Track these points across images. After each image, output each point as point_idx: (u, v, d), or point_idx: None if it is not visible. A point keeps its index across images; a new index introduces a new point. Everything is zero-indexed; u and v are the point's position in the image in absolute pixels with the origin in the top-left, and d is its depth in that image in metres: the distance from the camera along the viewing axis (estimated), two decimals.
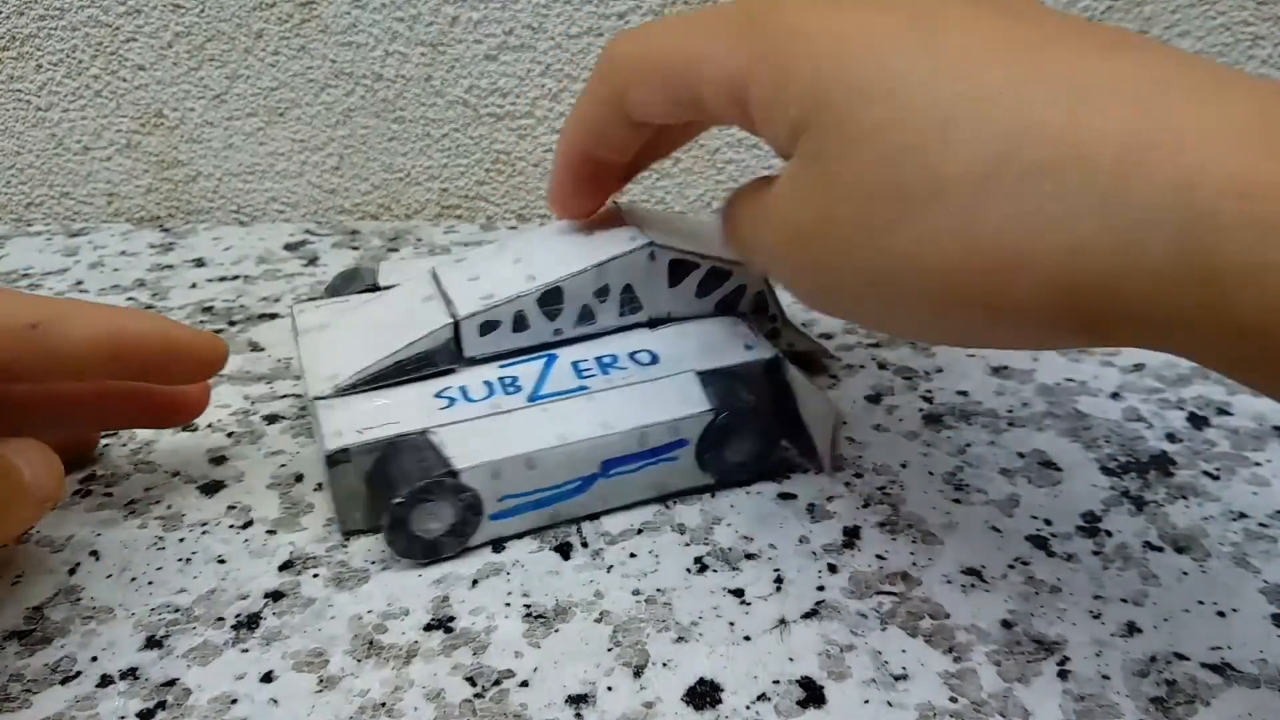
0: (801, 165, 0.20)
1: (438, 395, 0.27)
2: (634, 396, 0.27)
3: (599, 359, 0.28)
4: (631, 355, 0.28)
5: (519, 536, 0.26)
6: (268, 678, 0.22)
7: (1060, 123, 0.16)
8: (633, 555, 0.25)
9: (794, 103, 0.19)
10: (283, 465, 0.29)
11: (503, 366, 0.28)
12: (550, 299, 0.28)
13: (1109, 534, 0.26)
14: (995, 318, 0.18)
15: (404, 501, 0.24)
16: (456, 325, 0.27)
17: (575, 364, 0.28)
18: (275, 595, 0.24)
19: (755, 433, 0.27)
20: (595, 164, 0.26)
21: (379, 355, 0.27)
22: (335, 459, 0.25)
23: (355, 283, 0.33)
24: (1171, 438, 0.30)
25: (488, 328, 0.27)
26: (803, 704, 0.21)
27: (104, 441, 0.30)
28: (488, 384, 0.27)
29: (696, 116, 0.23)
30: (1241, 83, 0.16)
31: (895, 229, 0.18)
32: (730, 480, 0.28)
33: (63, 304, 0.24)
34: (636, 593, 0.24)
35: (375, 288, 0.32)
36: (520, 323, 0.28)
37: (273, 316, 0.38)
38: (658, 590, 0.24)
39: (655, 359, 0.28)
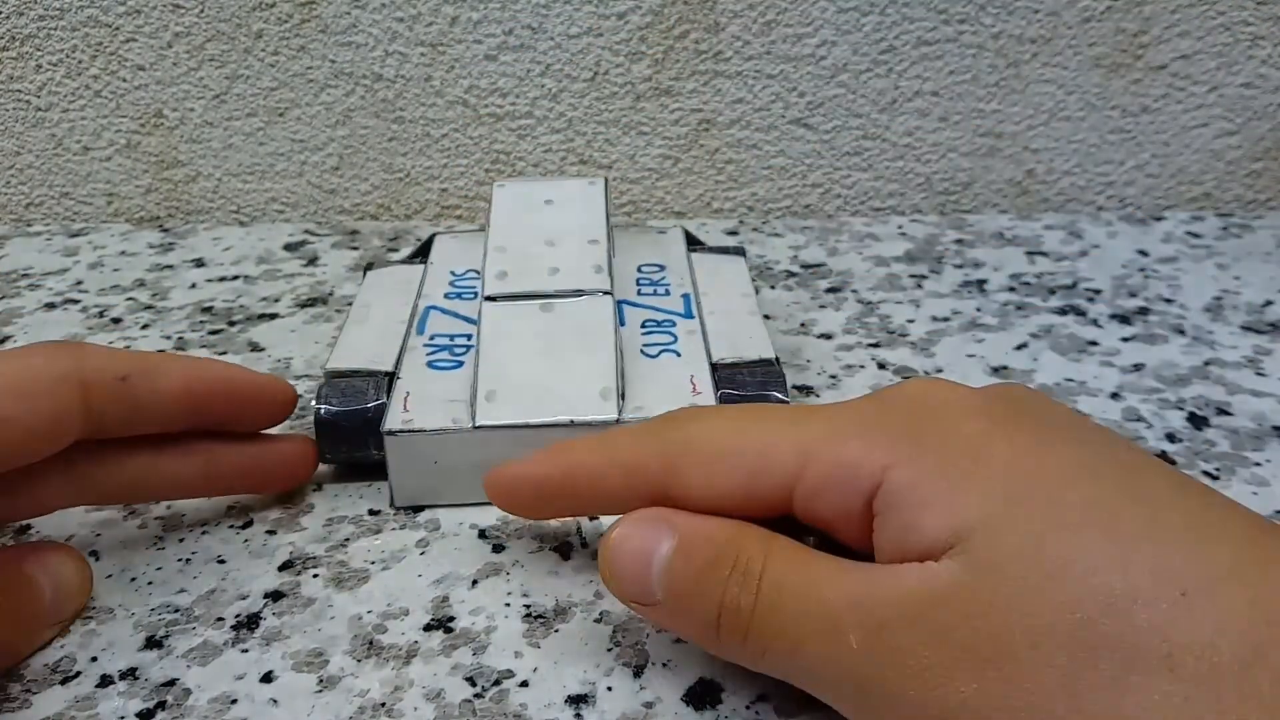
0: (957, 578, 0.17)
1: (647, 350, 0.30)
2: None
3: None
4: None
5: (519, 536, 0.26)
6: (267, 678, 0.22)
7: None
8: None
9: (969, 509, 0.18)
10: None
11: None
12: (610, 244, 0.31)
13: None
14: None
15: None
16: (619, 302, 0.31)
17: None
18: (275, 595, 0.24)
19: None
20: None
21: (607, 357, 0.28)
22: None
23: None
24: (1171, 438, 0.30)
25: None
26: (802, 703, 0.21)
27: None
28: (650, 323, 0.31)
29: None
30: None
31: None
32: None
33: (148, 357, 0.24)
34: None
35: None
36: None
37: (272, 316, 0.38)
38: None
39: None
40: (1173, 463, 0.29)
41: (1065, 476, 0.18)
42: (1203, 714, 0.15)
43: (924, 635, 0.17)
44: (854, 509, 0.19)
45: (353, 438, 0.27)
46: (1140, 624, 0.16)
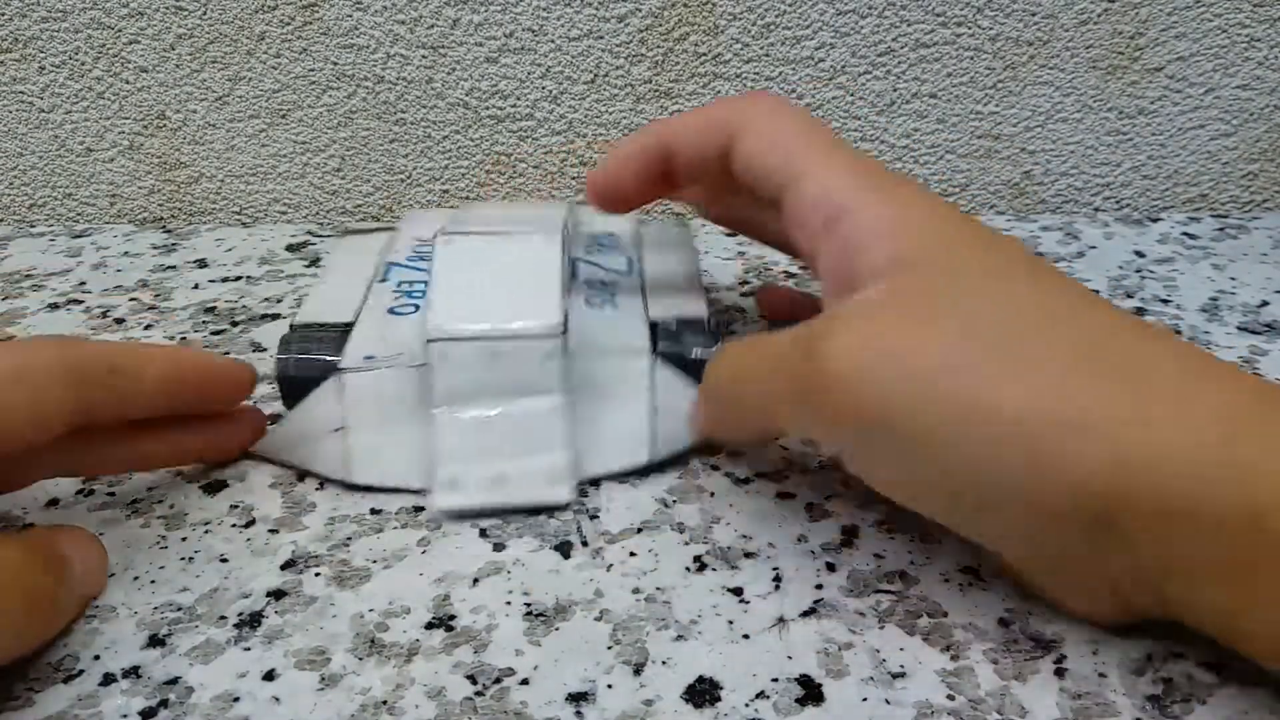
0: (895, 296, 0.22)
1: None
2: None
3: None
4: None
5: (520, 535, 0.26)
6: (270, 676, 0.22)
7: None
8: (632, 554, 0.26)
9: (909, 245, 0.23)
10: (285, 464, 0.29)
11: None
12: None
13: None
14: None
15: None
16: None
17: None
18: (277, 594, 0.25)
19: None
20: (665, 162, 0.29)
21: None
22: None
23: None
24: None
25: None
26: (801, 702, 0.21)
27: None
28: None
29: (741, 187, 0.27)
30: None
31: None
32: None
33: (132, 348, 0.26)
34: (636, 591, 0.24)
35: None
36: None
37: (275, 317, 0.38)
38: (657, 589, 0.24)
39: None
40: None
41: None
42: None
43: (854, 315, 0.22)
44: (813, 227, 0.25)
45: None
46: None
